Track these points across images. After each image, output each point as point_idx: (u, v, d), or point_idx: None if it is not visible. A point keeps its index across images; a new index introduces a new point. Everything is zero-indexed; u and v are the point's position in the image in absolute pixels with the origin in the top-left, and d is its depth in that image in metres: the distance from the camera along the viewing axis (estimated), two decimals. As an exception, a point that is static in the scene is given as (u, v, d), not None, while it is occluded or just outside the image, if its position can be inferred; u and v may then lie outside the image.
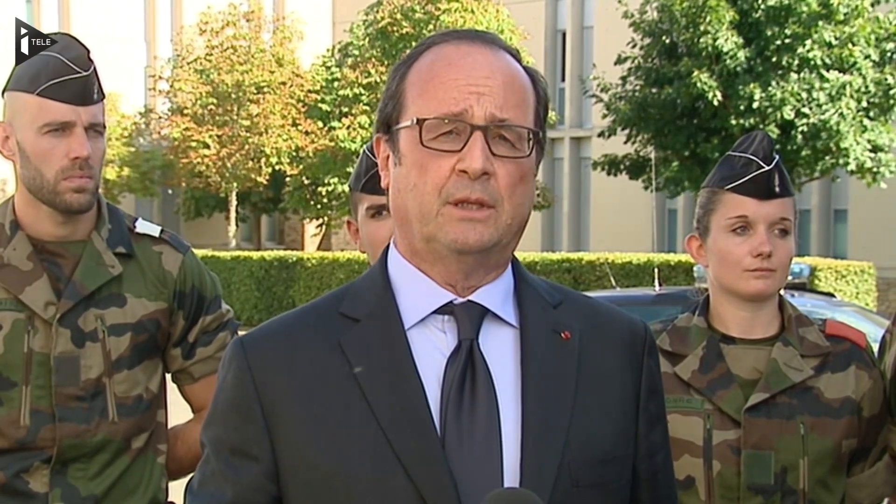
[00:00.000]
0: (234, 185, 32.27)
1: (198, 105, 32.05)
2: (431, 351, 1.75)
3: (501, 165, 1.73)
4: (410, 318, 1.76)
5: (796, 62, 22.00)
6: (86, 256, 2.81)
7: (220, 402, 1.79)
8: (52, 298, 2.78)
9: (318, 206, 31.98)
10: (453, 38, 1.79)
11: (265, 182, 32.59)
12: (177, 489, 2.73)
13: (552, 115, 30.26)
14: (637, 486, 1.84)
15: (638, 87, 23.71)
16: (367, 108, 29.88)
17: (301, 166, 31.49)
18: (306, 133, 31.28)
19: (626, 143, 24.39)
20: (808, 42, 21.83)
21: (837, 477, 2.73)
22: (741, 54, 21.98)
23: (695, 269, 12.19)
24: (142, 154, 33.70)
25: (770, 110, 21.80)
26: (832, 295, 11.94)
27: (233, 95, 31.79)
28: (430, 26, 28.63)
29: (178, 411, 3.07)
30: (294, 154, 31.52)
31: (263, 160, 31.68)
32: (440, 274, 1.77)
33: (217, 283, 3.02)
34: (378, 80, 29.38)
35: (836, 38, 21.88)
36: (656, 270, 11.67)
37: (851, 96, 21.79)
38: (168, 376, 3.00)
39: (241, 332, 2.64)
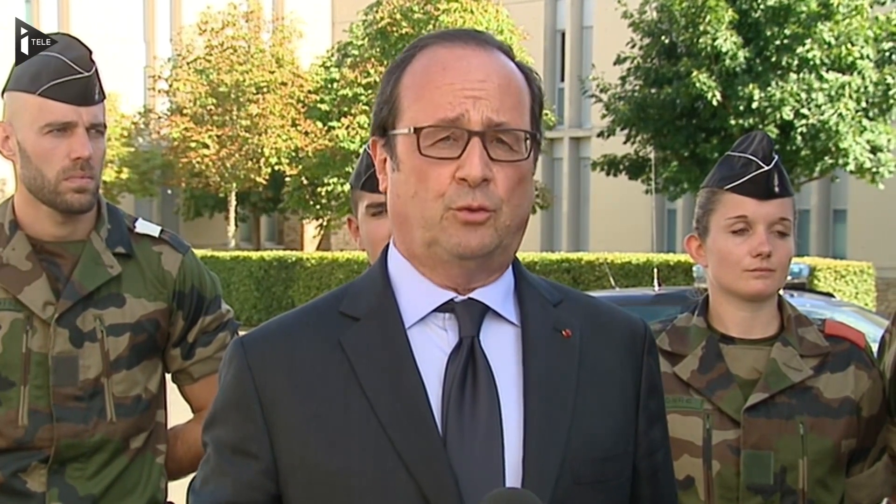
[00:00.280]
0: (234, 185, 32.27)
1: (197, 105, 32.05)
2: (432, 349, 1.75)
3: (500, 169, 1.73)
4: (411, 316, 1.77)
5: (796, 62, 22.00)
6: (85, 256, 2.81)
7: (221, 402, 1.79)
8: (50, 298, 2.77)
9: (318, 207, 31.98)
10: (446, 39, 1.78)
11: (264, 182, 32.59)
12: (177, 489, 2.74)
13: (551, 115, 30.29)
14: (637, 483, 1.84)
15: (637, 88, 23.72)
16: (367, 108, 29.87)
17: (300, 166, 31.49)
18: (306, 133, 31.28)
19: (625, 143, 24.40)
20: (808, 42, 21.84)
21: (837, 477, 2.73)
22: (740, 54, 21.99)
23: (694, 269, 12.19)
24: (141, 154, 33.69)
25: (769, 110, 21.81)
26: (831, 295, 11.95)
27: (232, 95, 31.78)
28: (430, 26, 28.63)
29: (178, 411, 3.07)
30: (293, 154, 31.52)
31: (263, 160, 31.67)
32: (440, 276, 1.77)
33: (217, 283, 3.01)
34: (377, 80, 29.36)
35: (835, 38, 21.89)
36: (655, 270, 11.67)
37: (850, 96, 21.80)
38: (168, 376, 3.00)
39: (241, 333, 2.65)
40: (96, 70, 2.78)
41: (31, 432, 2.76)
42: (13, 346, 2.76)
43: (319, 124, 31.30)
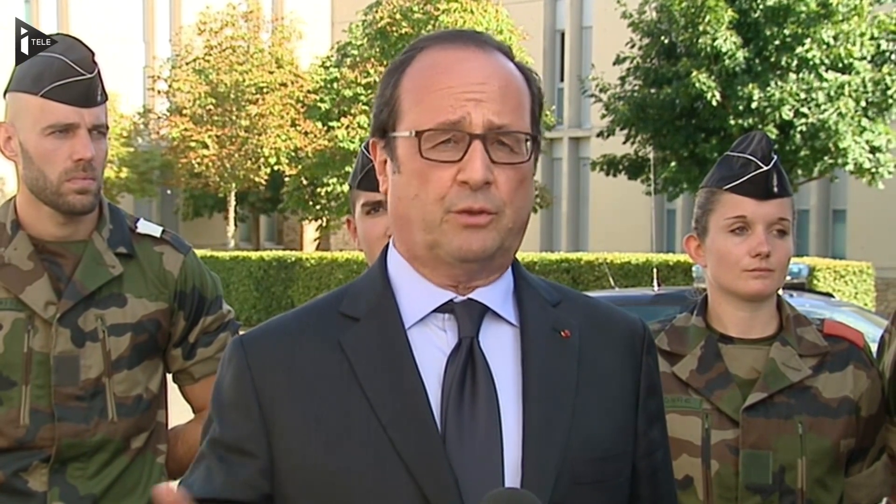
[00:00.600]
0: (233, 185, 32.26)
1: (196, 105, 32.04)
2: (432, 349, 1.75)
3: (501, 172, 1.73)
4: (411, 316, 1.77)
5: (795, 62, 22.01)
6: (86, 256, 2.82)
7: (219, 400, 1.79)
8: (52, 298, 2.78)
9: (317, 207, 31.98)
10: (445, 41, 1.78)
11: (264, 182, 32.58)
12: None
13: (551, 115, 30.28)
14: (637, 483, 1.84)
15: (637, 88, 23.73)
16: (366, 108, 29.87)
17: (300, 166, 31.49)
18: (305, 133, 31.27)
19: (624, 143, 24.41)
20: (807, 42, 21.85)
21: (835, 477, 2.73)
22: (740, 54, 22.00)
23: (693, 269, 12.20)
24: (140, 154, 33.68)
25: (769, 110, 21.81)
26: (831, 295, 11.95)
27: (232, 96, 31.77)
28: (429, 26, 28.63)
29: (178, 411, 3.08)
30: (293, 154, 31.51)
31: (262, 160, 31.67)
32: (441, 276, 1.77)
33: (218, 283, 3.02)
34: (377, 80, 29.19)
35: (834, 38, 21.89)
36: (655, 270, 11.68)
37: (850, 95, 21.80)
38: (169, 376, 3.00)
39: (241, 332, 2.65)
40: (98, 71, 2.78)
41: (32, 432, 2.77)
42: (14, 346, 2.77)
43: (319, 124, 31.29)
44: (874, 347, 2.90)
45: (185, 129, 31.85)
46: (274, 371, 1.75)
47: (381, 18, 30.11)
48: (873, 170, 22.70)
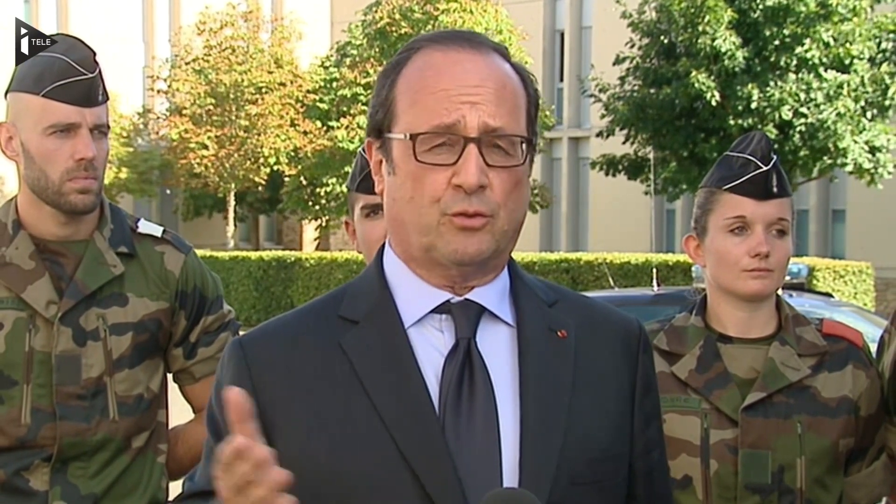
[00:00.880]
0: (233, 185, 32.24)
1: (196, 105, 32.03)
2: (429, 350, 1.76)
3: (496, 175, 1.73)
4: (408, 317, 1.77)
5: (794, 62, 22.01)
6: (88, 256, 2.82)
7: (218, 400, 1.79)
8: (53, 297, 2.78)
9: (317, 207, 31.97)
10: (441, 42, 1.78)
11: (263, 182, 32.57)
12: (178, 489, 2.73)
13: (551, 116, 30.27)
14: (633, 482, 1.85)
15: (636, 88, 23.73)
16: (366, 108, 29.70)
17: (299, 166, 31.48)
18: (305, 133, 31.26)
19: (624, 143, 24.41)
20: (807, 42, 21.85)
21: (835, 476, 2.73)
22: (739, 54, 22.00)
23: (693, 269, 12.20)
24: (140, 154, 33.67)
25: (768, 110, 21.82)
26: (830, 295, 11.95)
27: (231, 96, 31.76)
28: (429, 26, 28.62)
29: (178, 411, 3.08)
30: (292, 154, 31.50)
31: (262, 160, 31.65)
32: (438, 277, 1.77)
33: (219, 283, 3.02)
34: (376, 79, 29.31)
35: (833, 39, 21.90)
36: (654, 271, 11.69)
37: (849, 95, 21.81)
38: (169, 376, 3.00)
39: (242, 332, 2.65)
40: (100, 71, 2.79)
41: (33, 431, 2.77)
42: (16, 345, 2.77)
43: (318, 124, 31.28)
44: (874, 347, 2.90)
45: (185, 130, 31.83)
46: (273, 372, 1.76)
47: (381, 18, 30.10)
48: (872, 170, 22.70)
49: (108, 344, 2.81)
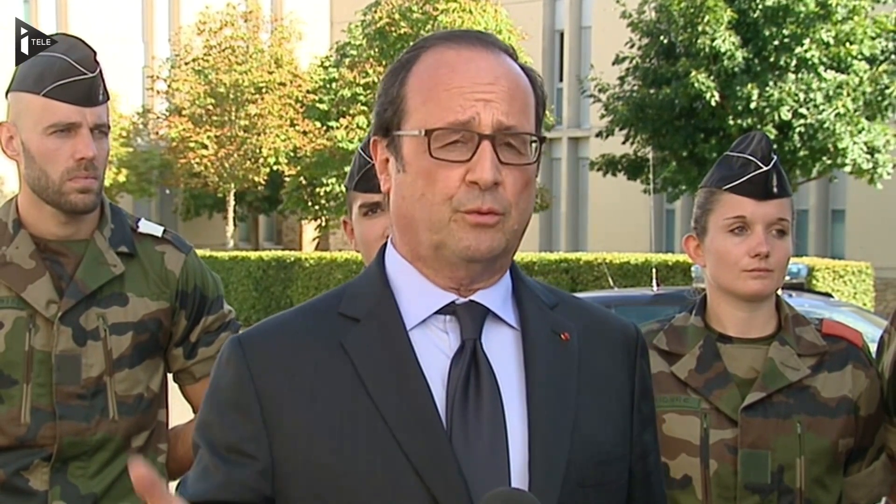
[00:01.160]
0: (232, 185, 32.25)
1: (196, 105, 32.03)
2: (434, 351, 1.75)
3: (509, 173, 1.73)
4: (412, 318, 1.76)
5: (794, 62, 22.02)
6: (88, 255, 2.82)
7: (217, 401, 1.77)
8: (53, 297, 2.79)
9: (316, 207, 31.98)
10: (451, 40, 1.78)
11: (263, 182, 32.57)
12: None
13: (550, 116, 30.27)
14: (631, 486, 1.84)
15: (636, 88, 23.73)
16: (365, 108, 29.86)
17: (299, 166, 31.49)
18: (304, 133, 31.26)
19: (623, 143, 24.41)
20: (806, 42, 21.86)
21: (834, 476, 2.73)
22: (739, 54, 22.00)
23: (692, 269, 12.21)
24: (140, 154, 33.67)
25: (767, 111, 21.82)
26: (830, 295, 11.96)
27: (231, 96, 31.75)
28: (428, 26, 28.63)
29: (179, 411, 3.08)
30: (292, 154, 31.50)
31: (261, 160, 31.66)
32: (445, 278, 1.77)
33: (219, 283, 3.03)
34: (376, 80, 29.34)
35: (833, 38, 21.90)
36: (654, 271, 11.69)
37: (848, 95, 21.81)
38: (170, 376, 3.00)
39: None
40: (100, 71, 2.80)
41: (33, 430, 2.77)
42: (16, 344, 2.77)
43: (318, 124, 31.29)
44: (873, 347, 2.90)
45: (184, 129, 31.83)
46: (274, 372, 1.74)
47: (380, 18, 30.10)
48: (872, 170, 22.71)
49: (108, 343, 2.81)
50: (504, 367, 1.76)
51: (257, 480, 1.73)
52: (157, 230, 2.95)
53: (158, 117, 34.55)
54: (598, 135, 25.09)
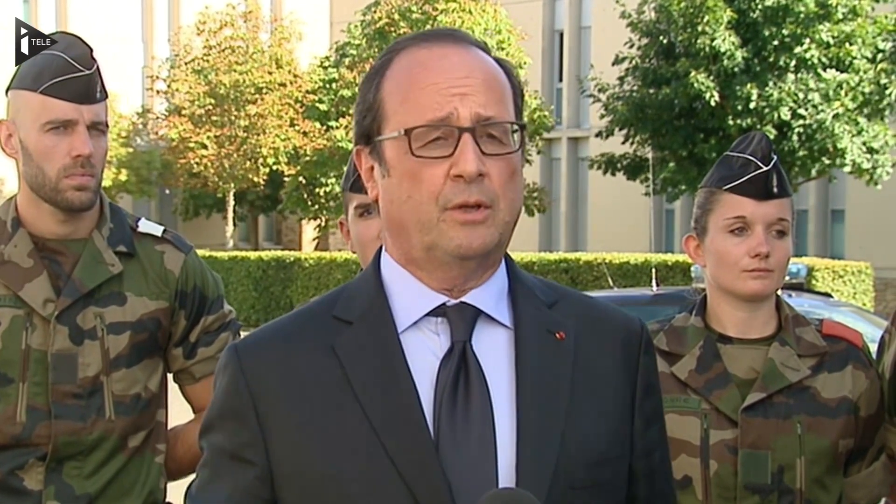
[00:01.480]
0: (232, 185, 32.24)
1: (195, 105, 32.02)
2: (425, 353, 1.74)
3: (493, 164, 1.72)
4: (404, 320, 1.76)
5: (793, 62, 22.02)
6: (86, 255, 2.82)
7: (216, 408, 1.79)
8: (51, 296, 2.78)
9: (316, 207, 31.98)
10: (423, 40, 1.78)
11: (263, 182, 32.57)
12: (177, 489, 2.73)
13: (550, 116, 30.26)
14: (634, 484, 1.83)
15: (635, 88, 23.74)
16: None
17: (299, 166, 31.48)
18: (304, 133, 31.26)
19: (623, 143, 24.41)
20: (806, 42, 21.86)
21: (834, 476, 2.73)
22: (738, 54, 22.01)
23: (692, 269, 12.20)
24: (139, 155, 33.66)
25: (767, 111, 21.82)
26: (829, 295, 11.95)
27: (230, 96, 31.75)
28: (428, 26, 28.62)
29: (178, 411, 3.08)
30: (292, 154, 31.50)
31: (261, 160, 31.65)
32: (438, 279, 1.76)
33: (219, 283, 3.02)
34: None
35: (833, 39, 21.90)
36: (654, 271, 11.68)
37: (847, 94, 21.81)
38: (169, 376, 3.00)
39: (242, 332, 2.64)
40: (98, 68, 2.79)
41: (28, 429, 2.77)
42: (13, 343, 2.77)
43: (318, 124, 31.28)
44: (873, 348, 2.90)
45: (184, 130, 31.83)
46: (269, 377, 1.75)
47: (380, 18, 30.10)
48: (871, 170, 22.71)
49: (105, 343, 2.81)
50: (495, 368, 1.75)
51: (257, 486, 1.74)
52: (157, 230, 2.95)
53: (158, 117, 34.53)
54: (598, 135, 25.10)
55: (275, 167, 31.78)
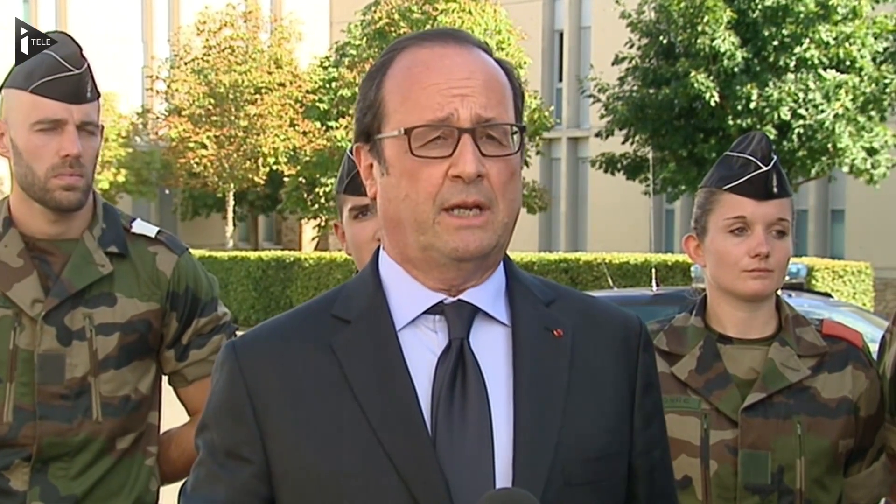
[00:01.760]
0: (232, 185, 32.25)
1: (195, 105, 32.02)
2: (423, 351, 1.75)
3: (493, 165, 1.73)
4: (401, 318, 1.76)
5: (793, 62, 22.02)
6: (76, 255, 2.81)
7: (213, 406, 1.79)
8: (40, 296, 2.77)
9: (316, 207, 31.98)
10: (424, 40, 1.79)
11: (262, 182, 32.58)
12: (171, 493, 2.71)
13: (550, 116, 30.26)
14: (634, 481, 1.83)
15: (635, 88, 23.74)
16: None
17: (298, 166, 31.49)
18: (304, 133, 31.27)
19: (623, 143, 24.42)
20: (806, 42, 21.86)
21: (834, 477, 2.73)
22: (738, 54, 22.01)
23: (692, 269, 12.20)
24: (139, 155, 33.66)
25: (767, 111, 21.83)
26: (829, 295, 11.95)
27: (230, 96, 31.76)
28: (427, 26, 28.61)
29: (176, 412, 3.06)
30: (291, 154, 31.51)
31: (261, 160, 31.66)
32: (435, 279, 1.76)
33: (214, 285, 3.00)
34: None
35: (833, 39, 21.91)
36: (654, 271, 11.68)
37: (847, 94, 21.81)
38: (165, 378, 2.98)
39: (236, 334, 2.63)
40: (88, 67, 2.78)
41: (15, 429, 2.75)
42: (1, 343, 2.76)
43: (318, 124, 31.30)
44: (873, 348, 2.90)
45: (184, 130, 31.83)
46: (266, 375, 1.75)
47: (380, 18, 30.11)
48: (871, 170, 22.71)
49: (93, 344, 2.79)
50: (492, 366, 1.75)
51: (255, 484, 1.75)
52: (151, 231, 2.93)
53: (158, 117, 34.55)
54: (598, 135, 25.10)
55: (275, 167, 31.79)
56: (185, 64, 32.74)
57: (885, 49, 22.44)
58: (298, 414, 1.73)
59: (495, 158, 1.73)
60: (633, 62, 23.91)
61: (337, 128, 30.47)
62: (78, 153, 2.74)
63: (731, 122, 22.14)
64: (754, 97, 21.81)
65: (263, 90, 31.80)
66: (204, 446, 1.80)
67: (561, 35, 35.61)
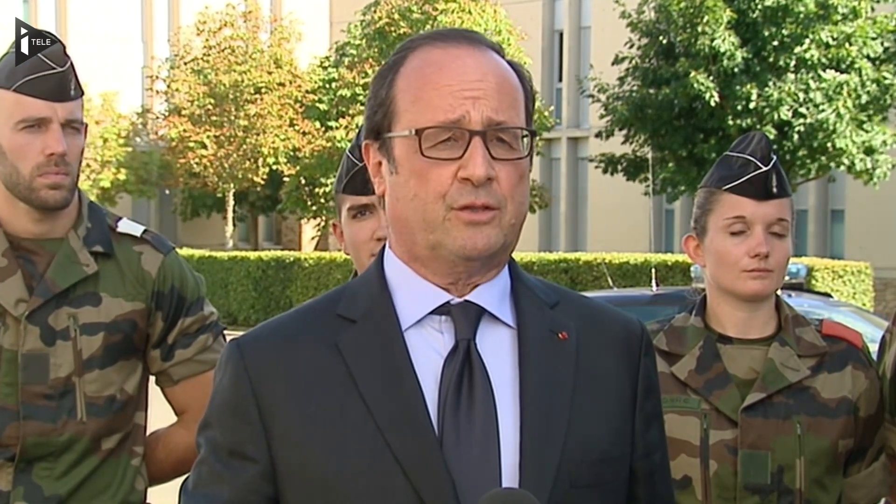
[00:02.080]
0: (232, 185, 32.26)
1: (195, 105, 32.03)
2: (428, 351, 1.75)
3: (502, 168, 1.73)
4: (407, 318, 1.76)
5: (793, 62, 22.03)
6: (60, 254, 2.79)
7: (217, 404, 1.78)
8: (24, 295, 2.75)
9: (315, 207, 31.99)
10: (438, 39, 1.78)
11: (262, 182, 32.59)
12: (171, 492, 2.70)
13: (549, 116, 30.27)
14: (634, 484, 1.84)
15: (635, 88, 23.75)
16: (365, 108, 29.83)
17: (298, 166, 31.50)
18: (304, 133, 31.28)
19: (623, 143, 24.42)
20: (806, 42, 21.87)
21: (834, 477, 2.73)
22: (738, 55, 22.02)
23: (692, 269, 12.20)
24: (139, 154, 33.66)
25: (767, 111, 21.83)
26: (829, 295, 11.95)
27: (230, 96, 31.77)
28: (427, 26, 28.62)
29: (166, 411, 3.04)
30: (291, 154, 31.52)
31: (261, 160, 31.67)
32: (442, 277, 1.76)
33: (201, 284, 2.98)
34: (372, 82, 29.30)
35: (833, 39, 21.91)
36: (653, 271, 11.69)
37: (848, 94, 21.81)
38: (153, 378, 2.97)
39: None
40: (71, 65, 2.76)
41: None
42: None
43: (317, 124, 31.31)
44: (873, 348, 2.90)
45: (184, 130, 31.84)
46: (272, 374, 1.75)
47: (380, 18, 30.12)
48: (871, 170, 22.72)
49: (77, 343, 2.77)
50: (499, 367, 1.75)
51: (260, 483, 1.74)
52: (137, 230, 2.91)
53: (158, 117, 34.56)
54: (598, 135, 25.11)
55: (274, 167, 31.80)
56: (185, 64, 32.75)
57: (886, 49, 22.44)
58: (304, 413, 1.72)
59: (505, 162, 1.73)
60: (633, 62, 23.92)
61: (337, 128, 30.48)
62: (63, 151, 2.72)
63: (730, 122, 22.14)
64: (754, 97, 21.82)
65: (263, 90, 31.81)
66: (206, 444, 1.79)
67: (561, 35, 35.61)
